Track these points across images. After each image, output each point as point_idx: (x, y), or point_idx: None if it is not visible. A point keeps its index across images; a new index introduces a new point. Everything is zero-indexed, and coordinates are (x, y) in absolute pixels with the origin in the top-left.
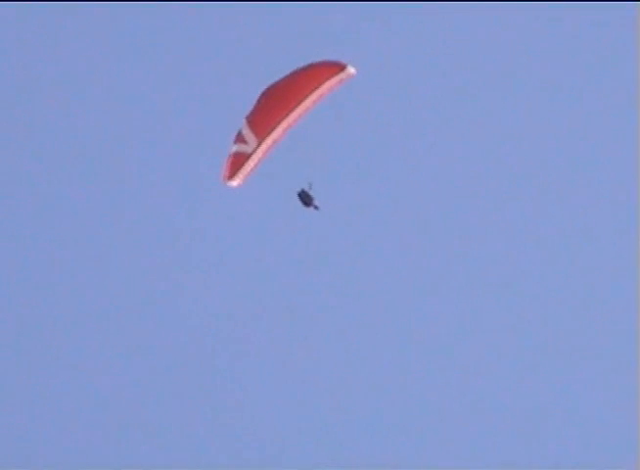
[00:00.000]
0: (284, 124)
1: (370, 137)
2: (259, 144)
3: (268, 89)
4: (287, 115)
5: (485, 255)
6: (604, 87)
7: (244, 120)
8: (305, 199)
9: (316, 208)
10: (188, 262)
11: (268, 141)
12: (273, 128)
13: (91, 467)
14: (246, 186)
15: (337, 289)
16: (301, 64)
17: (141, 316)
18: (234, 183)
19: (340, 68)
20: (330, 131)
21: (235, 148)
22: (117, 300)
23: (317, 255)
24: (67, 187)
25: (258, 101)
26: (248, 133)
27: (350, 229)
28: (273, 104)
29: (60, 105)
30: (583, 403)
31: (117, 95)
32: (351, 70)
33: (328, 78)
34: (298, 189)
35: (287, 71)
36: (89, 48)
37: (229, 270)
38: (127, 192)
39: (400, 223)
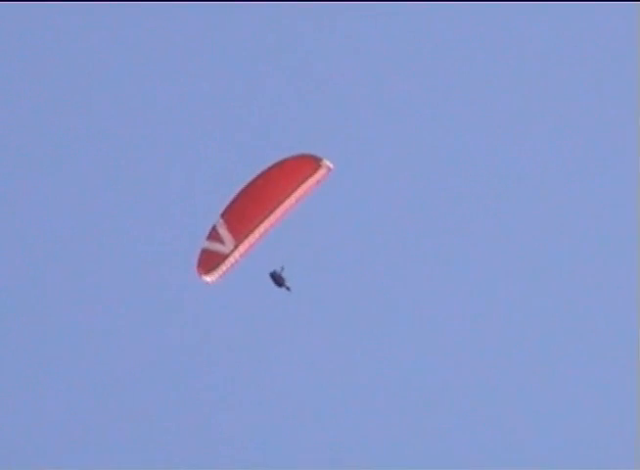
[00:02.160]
0: (261, 229)
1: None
2: (236, 247)
3: (246, 188)
4: (264, 220)
5: (485, 255)
6: (604, 87)
7: (219, 219)
8: (278, 280)
9: (288, 289)
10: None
11: (246, 245)
12: (251, 232)
13: (91, 467)
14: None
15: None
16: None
17: (140, 317)
18: (208, 279)
19: (316, 165)
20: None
21: (210, 246)
22: (116, 300)
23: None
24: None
25: (235, 200)
26: (224, 233)
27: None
28: (251, 207)
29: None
30: (583, 403)
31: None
32: (326, 167)
33: (305, 178)
34: (271, 270)
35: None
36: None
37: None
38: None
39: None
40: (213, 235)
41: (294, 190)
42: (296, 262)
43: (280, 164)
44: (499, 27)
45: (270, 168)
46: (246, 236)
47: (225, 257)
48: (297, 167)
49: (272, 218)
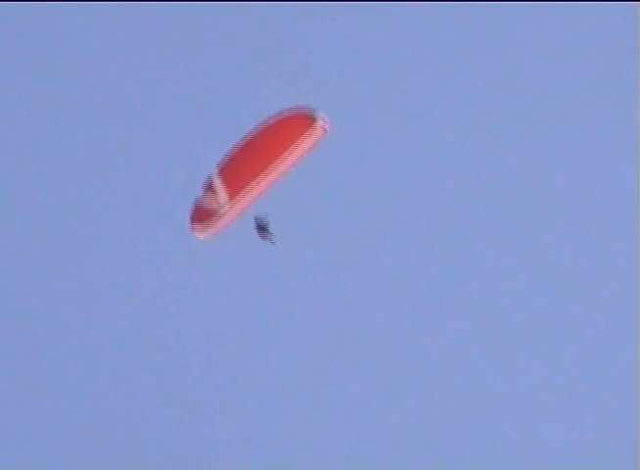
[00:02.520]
0: (258, 189)
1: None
2: (231, 206)
3: (243, 143)
4: (261, 179)
5: (484, 256)
6: (604, 87)
7: (216, 172)
8: (261, 228)
9: (272, 242)
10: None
11: (242, 204)
12: (247, 192)
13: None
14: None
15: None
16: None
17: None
18: (201, 237)
19: (314, 123)
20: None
21: (206, 201)
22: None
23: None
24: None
25: (233, 155)
26: (220, 190)
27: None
28: (249, 164)
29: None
30: (583, 403)
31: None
32: (321, 122)
33: (305, 137)
34: (257, 218)
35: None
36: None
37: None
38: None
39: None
40: (209, 190)
41: (292, 149)
42: (290, 223)
43: (279, 120)
44: (499, 27)
45: (269, 123)
46: (242, 196)
47: (220, 215)
48: (296, 124)
49: (269, 178)
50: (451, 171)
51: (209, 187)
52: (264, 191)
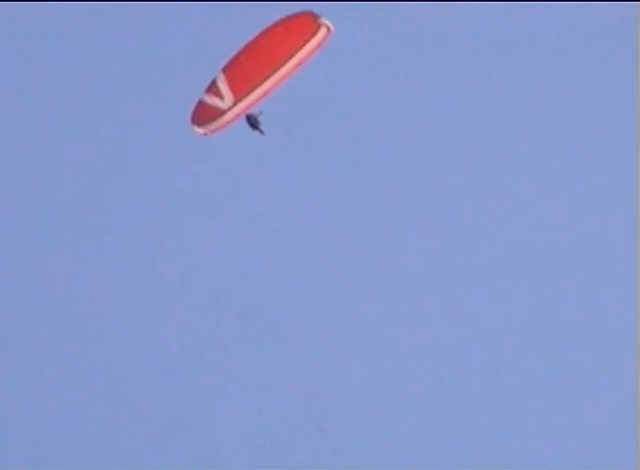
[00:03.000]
0: (262, 89)
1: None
2: (235, 103)
3: (249, 45)
4: (266, 80)
5: (483, 256)
6: (604, 87)
7: (220, 73)
8: (253, 122)
9: (262, 132)
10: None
11: (245, 103)
12: (251, 92)
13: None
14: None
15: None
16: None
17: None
18: (201, 131)
19: (317, 26)
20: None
21: (209, 99)
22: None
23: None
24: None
25: (238, 57)
26: (224, 89)
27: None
28: (254, 66)
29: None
30: (583, 403)
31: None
32: (327, 28)
33: (308, 40)
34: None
35: None
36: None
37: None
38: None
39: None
40: (213, 90)
41: (297, 52)
42: (294, 127)
43: (284, 23)
44: (499, 27)
45: (274, 26)
46: (245, 95)
47: (222, 112)
48: (301, 27)
49: (274, 79)
50: (450, 171)
51: (214, 88)
52: (268, 92)
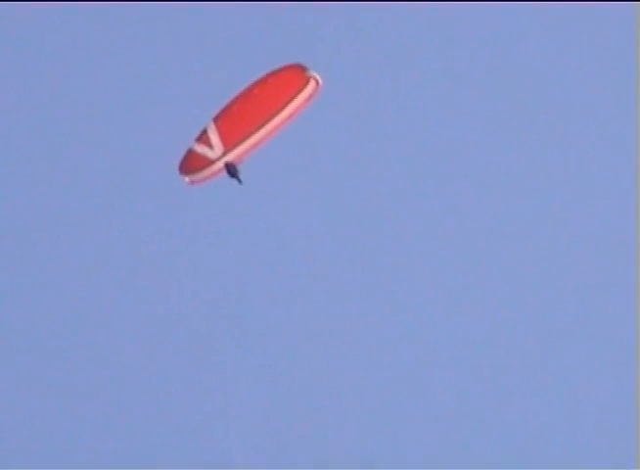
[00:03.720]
0: (253, 140)
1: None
2: (224, 154)
3: (240, 96)
4: (257, 131)
5: (482, 255)
6: (603, 87)
7: (211, 123)
8: (232, 170)
9: (239, 181)
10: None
11: (235, 153)
12: (241, 142)
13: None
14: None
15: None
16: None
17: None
18: (187, 180)
19: (309, 79)
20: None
21: (198, 148)
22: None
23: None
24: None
25: (229, 107)
26: (214, 139)
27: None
28: (244, 116)
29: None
30: (583, 403)
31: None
32: (314, 82)
33: (300, 93)
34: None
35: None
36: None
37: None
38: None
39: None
40: (203, 139)
41: (289, 104)
42: (286, 176)
43: (277, 73)
44: (499, 27)
45: (266, 77)
46: (235, 145)
47: (211, 162)
48: (294, 79)
49: (264, 131)
50: (449, 170)
51: (204, 137)
52: (259, 144)
